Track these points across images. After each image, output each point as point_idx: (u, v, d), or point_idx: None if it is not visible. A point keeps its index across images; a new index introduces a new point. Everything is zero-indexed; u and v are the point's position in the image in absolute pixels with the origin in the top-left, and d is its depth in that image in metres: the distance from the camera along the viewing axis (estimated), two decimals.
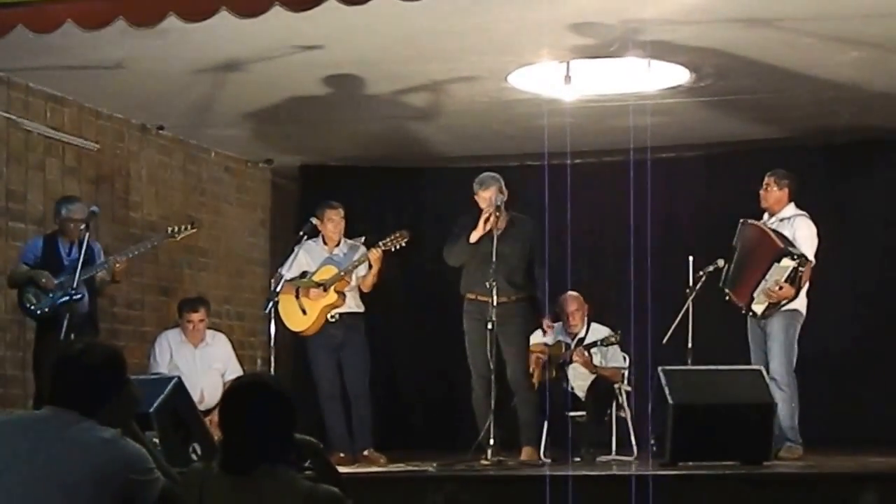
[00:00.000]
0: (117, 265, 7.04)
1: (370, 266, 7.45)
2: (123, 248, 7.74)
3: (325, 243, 7.64)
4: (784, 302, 6.93)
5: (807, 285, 7.07)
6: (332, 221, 7.58)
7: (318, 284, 7.46)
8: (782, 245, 6.93)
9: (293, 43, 6.85)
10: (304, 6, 5.40)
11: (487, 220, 7.03)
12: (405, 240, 7.38)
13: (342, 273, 7.44)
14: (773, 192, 7.16)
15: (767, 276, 6.91)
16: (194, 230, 7.63)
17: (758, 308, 6.97)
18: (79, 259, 6.73)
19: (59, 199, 7.26)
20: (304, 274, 7.57)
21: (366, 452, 7.43)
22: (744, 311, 7.06)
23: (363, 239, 7.66)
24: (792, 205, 7.19)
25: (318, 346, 7.57)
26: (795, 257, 6.88)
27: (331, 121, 8.79)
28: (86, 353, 3.21)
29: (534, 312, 7.22)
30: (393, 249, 7.39)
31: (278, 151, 9.86)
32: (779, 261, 6.91)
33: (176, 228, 7.47)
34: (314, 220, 7.55)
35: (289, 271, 7.44)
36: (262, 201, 10.24)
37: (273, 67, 7.33)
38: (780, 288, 6.86)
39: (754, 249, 7.11)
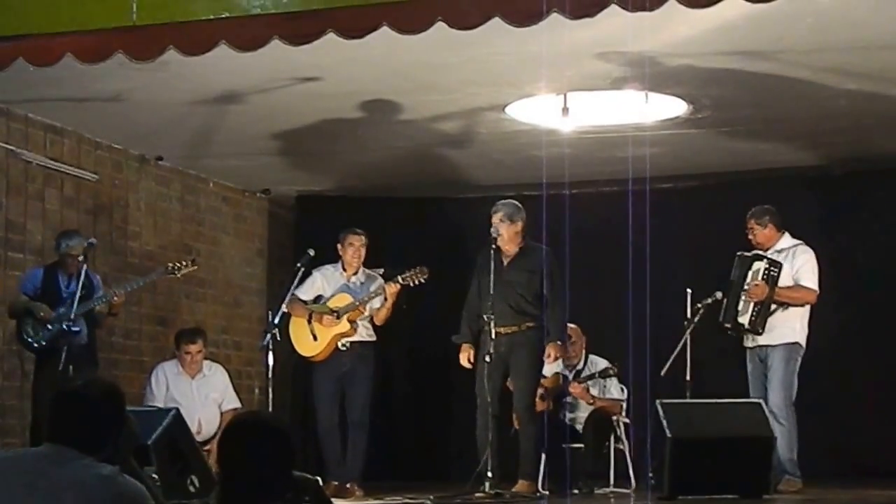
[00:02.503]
0: (115, 298, 7.03)
1: (385, 299, 7.43)
2: (121, 277, 7.77)
3: (343, 269, 7.62)
4: (772, 308, 6.95)
5: (807, 317, 7.08)
6: (353, 246, 7.55)
7: (331, 311, 7.45)
8: (753, 253, 7.01)
9: (291, 75, 6.88)
10: (303, 40, 5.45)
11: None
12: (424, 276, 7.32)
13: (357, 303, 7.42)
14: (759, 232, 7.18)
15: (746, 285, 6.96)
16: (195, 267, 7.61)
17: (744, 319, 7.00)
18: (76, 291, 6.73)
19: (60, 234, 7.26)
20: (318, 298, 7.56)
21: (347, 485, 7.40)
22: (730, 330, 7.06)
23: (382, 270, 7.62)
24: (787, 236, 7.20)
25: (324, 374, 7.55)
26: (765, 259, 6.95)
27: (328, 151, 8.82)
28: (85, 390, 3.19)
29: (543, 341, 7.19)
30: (411, 285, 7.36)
31: (276, 182, 9.88)
32: (751, 266, 7.01)
33: (176, 265, 7.44)
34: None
35: (304, 294, 7.45)
36: (260, 231, 10.24)
37: (271, 99, 7.35)
38: (756, 285, 6.90)
39: (738, 275, 7.15)
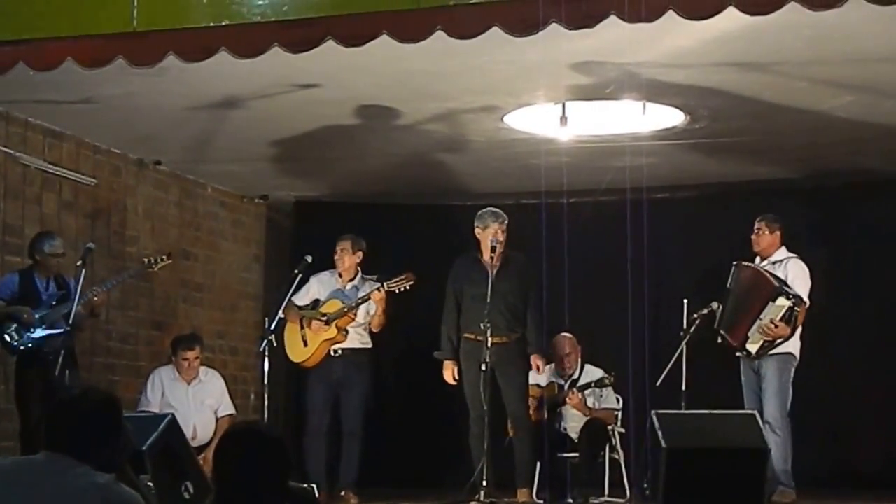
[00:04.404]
0: (96, 298, 7.02)
1: (375, 306, 7.43)
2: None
3: (340, 275, 7.63)
4: (778, 342, 6.95)
5: (800, 328, 7.10)
6: (336, 253, 7.58)
7: (321, 317, 7.45)
8: (777, 284, 6.98)
9: (291, 81, 6.88)
10: (303, 47, 5.46)
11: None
12: (411, 283, 7.32)
13: (345, 309, 7.43)
14: (764, 236, 7.21)
15: (763, 315, 6.95)
16: (170, 261, 7.65)
17: (752, 347, 7.00)
18: (78, 290, 6.73)
19: (39, 236, 7.21)
20: (315, 302, 7.57)
21: (342, 493, 7.40)
22: (738, 352, 7.08)
23: (376, 277, 7.62)
24: (784, 248, 7.24)
25: (317, 379, 7.56)
26: (791, 297, 6.92)
27: (327, 158, 8.83)
28: (82, 399, 3.21)
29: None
30: (398, 291, 7.36)
31: (273, 187, 9.89)
32: (774, 300, 6.97)
33: (153, 260, 7.51)
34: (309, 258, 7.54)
35: (301, 300, 7.46)
36: (257, 236, 10.25)
37: (270, 105, 7.36)
38: (776, 326, 6.89)
39: (749, 291, 7.15)
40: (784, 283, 7.02)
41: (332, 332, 7.43)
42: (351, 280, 7.60)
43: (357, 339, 7.53)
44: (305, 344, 7.49)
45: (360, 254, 7.60)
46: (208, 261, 9.62)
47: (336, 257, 7.58)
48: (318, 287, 7.58)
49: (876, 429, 8.82)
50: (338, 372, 7.49)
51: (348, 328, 7.46)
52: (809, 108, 7.39)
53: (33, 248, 7.13)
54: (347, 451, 7.50)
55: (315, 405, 7.55)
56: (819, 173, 9.08)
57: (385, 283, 7.34)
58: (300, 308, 7.51)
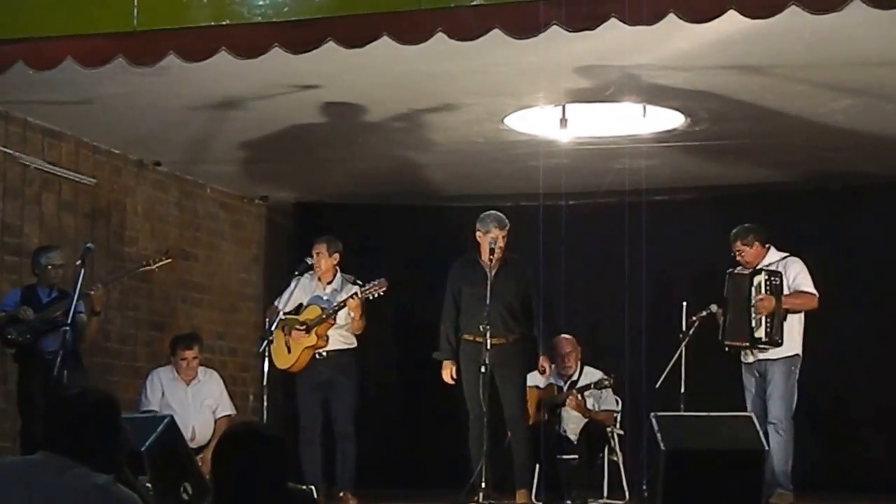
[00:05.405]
0: (95, 293, 7.04)
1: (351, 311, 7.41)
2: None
3: (319, 279, 7.62)
4: (779, 341, 6.95)
5: (802, 326, 7.10)
6: (315, 257, 7.53)
7: (301, 324, 7.43)
8: (753, 269, 7.01)
9: (292, 82, 6.88)
10: (304, 48, 5.46)
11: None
12: (383, 288, 7.29)
13: (324, 316, 7.41)
14: (746, 252, 7.19)
15: (753, 300, 6.96)
16: (169, 260, 7.67)
17: (760, 333, 7.00)
18: (75, 291, 6.75)
19: (37, 250, 7.27)
20: (299, 307, 7.55)
21: (341, 494, 7.39)
22: (752, 348, 7.06)
23: (353, 278, 7.60)
24: (772, 250, 7.22)
25: (305, 384, 7.54)
26: (763, 272, 6.99)
27: (327, 158, 8.83)
28: (79, 399, 3.21)
29: (530, 353, 7.21)
30: (371, 297, 7.35)
31: (273, 188, 9.89)
32: (752, 283, 7.02)
33: (152, 259, 7.55)
34: (309, 260, 7.53)
35: (285, 305, 7.44)
36: (257, 237, 10.25)
37: (271, 105, 7.36)
38: (761, 299, 6.92)
39: (739, 293, 7.16)
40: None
41: (312, 339, 7.41)
42: (329, 283, 7.55)
43: (340, 340, 7.49)
44: (289, 351, 7.48)
45: (336, 255, 7.54)
46: (208, 261, 9.62)
47: (315, 260, 7.53)
48: (298, 292, 7.54)
49: (875, 431, 8.82)
50: (324, 374, 7.48)
51: (329, 332, 7.44)
52: (809, 112, 7.40)
53: (33, 263, 7.20)
54: (342, 453, 7.48)
55: (306, 409, 7.54)
56: (818, 176, 9.09)
57: (359, 290, 7.31)
58: (285, 314, 7.47)
